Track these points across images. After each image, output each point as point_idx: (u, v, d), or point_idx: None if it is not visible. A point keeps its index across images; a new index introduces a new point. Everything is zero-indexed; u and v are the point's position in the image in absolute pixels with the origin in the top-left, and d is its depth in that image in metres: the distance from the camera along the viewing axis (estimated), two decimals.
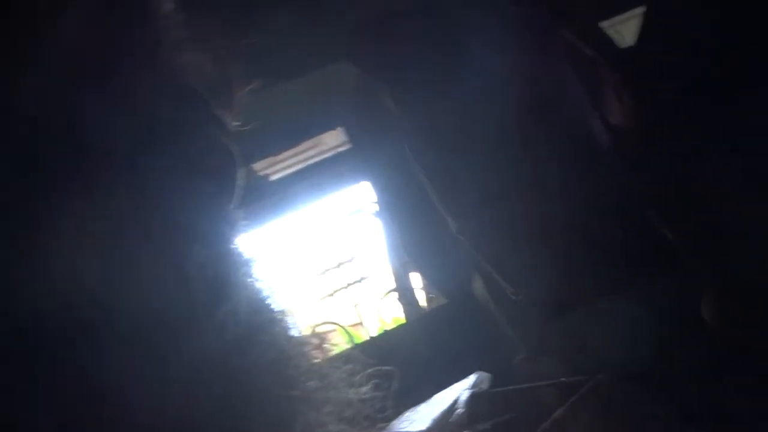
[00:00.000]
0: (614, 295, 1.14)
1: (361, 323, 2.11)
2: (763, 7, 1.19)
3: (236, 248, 0.46)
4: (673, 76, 1.28)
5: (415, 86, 1.45)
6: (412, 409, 1.39)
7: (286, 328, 0.48)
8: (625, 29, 1.34)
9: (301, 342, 0.50)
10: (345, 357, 0.56)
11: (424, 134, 1.47)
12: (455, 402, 1.45)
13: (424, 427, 1.33)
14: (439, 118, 1.42)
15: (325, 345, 0.55)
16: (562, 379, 1.13)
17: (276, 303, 0.48)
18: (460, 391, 1.48)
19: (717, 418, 0.99)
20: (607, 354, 1.07)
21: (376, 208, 1.81)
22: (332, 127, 1.62)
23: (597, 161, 1.28)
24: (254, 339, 0.42)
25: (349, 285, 2.21)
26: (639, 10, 1.36)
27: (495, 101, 1.37)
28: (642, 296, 1.10)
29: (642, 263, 1.15)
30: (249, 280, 0.46)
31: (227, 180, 0.45)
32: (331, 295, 2.21)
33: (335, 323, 1.99)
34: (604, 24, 1.36)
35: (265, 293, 0.47)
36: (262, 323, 0.45)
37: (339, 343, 1.91)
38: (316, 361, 0.51)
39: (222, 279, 0.42)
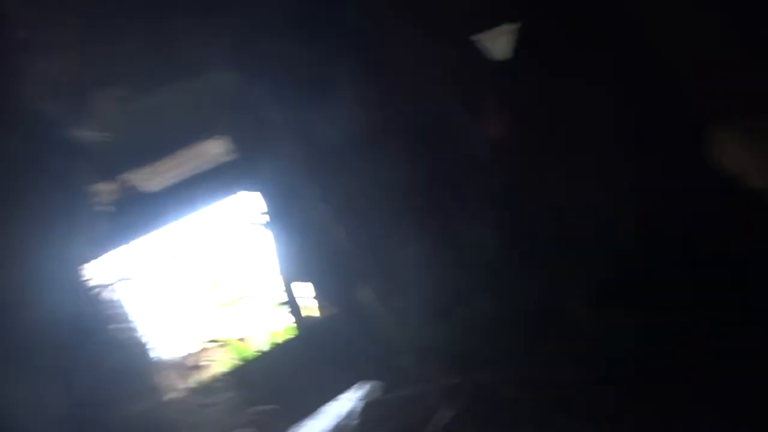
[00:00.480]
0: (490, 296, 1.19)
1: (250, 336, 2.04)
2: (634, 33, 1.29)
3: (94, 297, 0.41)
4: (542, 90, 1.37)
5: (301, 97, 1.44)
6: (302, 423, 1.37)
7: (152, 394, 0.43)
8: (497, 44, 1.41)
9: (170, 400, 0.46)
10: (225, 392, 0.53)
11: (315, 146, 1.47)
12: (349, 413, 1.45)
13: None
14: (328, 130, 1.42)
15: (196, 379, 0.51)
16: (448, 380, 1.17)
17: (142, 358, 0.43)
18: (352, 401, 1.48)
19: (586, 405, 1.06)
20: (485, 351, 1.12)
21: (266, 218, 1.77)
22: (213, 136, 1.56)
23: (475, 172, 1.34)
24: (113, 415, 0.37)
25: (238, 298, 2.13)
26: (511, 26, 1.44)
27: (381, 115, 1.39)
28: (514, 295, 1.16)
29: (513, 265, 1.21)
30: (109, 340, 0.41)
31: (77, 216, 0.40)
32: (220, 308, 2.12)
33: (223, 339, 1.91)
34: (478, 38, 1.43)
35: (128, 349, 0.42)
36: (122, 397, 0.40)
37: (227, 360, 1.84)
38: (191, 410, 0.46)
39: (72, 350, 0.37)
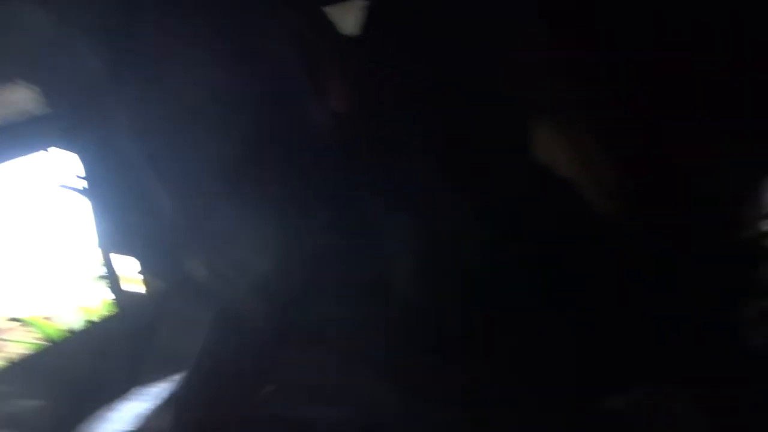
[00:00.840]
0: (320, 270, 1.18)
1: (60, 314, 1.83)
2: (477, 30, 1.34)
3: None
4: (391, 69, 1.38)
5: (134, 54, 1.30)
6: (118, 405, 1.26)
7: None
8: (346, 18, 1.38)
9: None
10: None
11: (146, 111, 1.34)
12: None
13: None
14: (161, 96, 1.30)
15: None
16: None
17: None
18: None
19: (410, 377, 1.10)
20: (313, 324, 1.11)
21: (83, 182, 1.59)
22: (17, 83, 1.36)
23: (317, 147, 1.31)
24: None
25: (47, 270, 1.90)
26: (361, 2, 1.42)
27: (222, 80, 1.31)
28: (345, 269, 1.16)
29: (346, 239, 1.21)
30: None
31: None
32: (24, 282, 1.88)
33: (26, 318, 1.69)
34: (328, 11, 1.39)
35: None
36: None
37: (29, 341, 1.64)
38: None
39: None
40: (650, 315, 1.05)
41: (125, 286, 1.64)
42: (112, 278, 1.65)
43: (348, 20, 1.40)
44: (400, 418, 1.08)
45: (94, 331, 1.65)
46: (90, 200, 1.59)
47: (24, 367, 1.37)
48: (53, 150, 1.55)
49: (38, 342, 1.65)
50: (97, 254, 1.66)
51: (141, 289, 1.62)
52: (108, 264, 1.65)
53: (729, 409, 0.95)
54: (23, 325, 1.71)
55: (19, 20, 1.22)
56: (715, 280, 1.05)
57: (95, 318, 1.72)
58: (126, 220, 1.54)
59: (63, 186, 1.59)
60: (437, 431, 1.10)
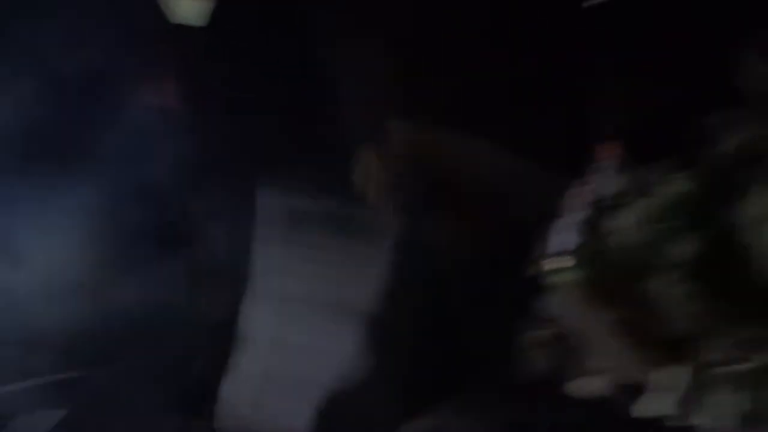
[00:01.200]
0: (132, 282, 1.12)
1: None
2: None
3: None
4: (226, 65, 1.31)
5: None
6: None
7: None
8: (177, 6, 1.30)
9: None
10: None
11: None
12: None
13: None
14: None
15: None
16: (60, 375, 1.06)
17: None
18: None
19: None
20: (101, 344, 1.06)
21: None
22: None
23: (141, 142, 1.24)
24: None
25: None
26: None
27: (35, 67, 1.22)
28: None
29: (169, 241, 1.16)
30: None
31: None
32: None
33: None
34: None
35: None
36: None
37: None
38: None
39: None
40: (441, 343, 1.04)
41: None
42: None
43: (184, 10, 1.33)
44: None
45: None
46: None
47: None
48: None
49: None
50: None
51: None
52: None
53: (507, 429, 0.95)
54: None
55: None
56: (500, 312, 1.05)
57: None
58: None
59: None
60: None
